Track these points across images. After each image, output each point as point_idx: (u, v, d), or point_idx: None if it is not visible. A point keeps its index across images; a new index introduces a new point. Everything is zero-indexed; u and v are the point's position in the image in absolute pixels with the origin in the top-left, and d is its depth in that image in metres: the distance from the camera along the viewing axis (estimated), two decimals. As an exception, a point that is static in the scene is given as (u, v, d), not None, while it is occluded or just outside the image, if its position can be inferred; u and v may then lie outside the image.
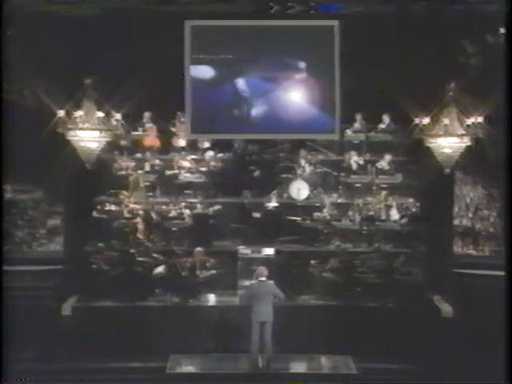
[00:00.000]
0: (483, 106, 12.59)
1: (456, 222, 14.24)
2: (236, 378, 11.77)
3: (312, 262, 13.93)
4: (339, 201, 14.82)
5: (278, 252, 13.87)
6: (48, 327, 12.62)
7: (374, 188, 14.69)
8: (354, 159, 14.94)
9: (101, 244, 13.80)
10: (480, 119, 12.59)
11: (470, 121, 12.69)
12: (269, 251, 13.77)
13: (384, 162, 14.81)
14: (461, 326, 12.62)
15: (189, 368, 12.22)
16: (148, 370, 12.00)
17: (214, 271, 13.69)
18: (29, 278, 13.10)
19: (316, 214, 14.54)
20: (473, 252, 14.12)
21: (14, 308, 11.33)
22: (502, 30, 12.35)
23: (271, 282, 12.13)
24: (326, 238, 14.38)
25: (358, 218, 14.45)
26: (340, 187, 15.00)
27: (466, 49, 13.39)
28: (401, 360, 11.99)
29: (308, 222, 14.50)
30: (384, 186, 14.65)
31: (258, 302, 11.86)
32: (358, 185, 14.84)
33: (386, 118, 14.83)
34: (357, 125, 15.06)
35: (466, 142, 12.72)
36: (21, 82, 13.03)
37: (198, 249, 13.81)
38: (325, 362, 12.39)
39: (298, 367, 12.14)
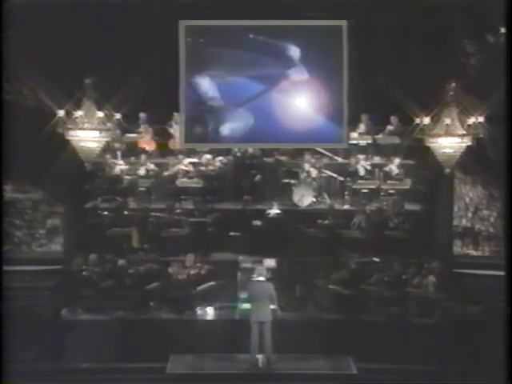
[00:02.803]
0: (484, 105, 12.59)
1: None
2: (236, 378, 11.70)
3: (317, 273, 13.43)
4: (345, 207, 14.55)
5: (280, 262, 13.43)
6: (48, 328, 12.61)
7: (382, 193, 14.46)
8: (361, 163, 14.73)
9: (93, 255, 13.41)
10: (481, 119, 12.56)
11: (470, 121, 12.66)
12: (270, 262, 13.35)
13: (393, 166, 14.60)
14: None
15: (189, 368, 12.17)
16: (148, 370, 11.95)
17: (212, 282, 13.27)
18: (28, 278, 13.10)
19: (320, 222, 14.15)
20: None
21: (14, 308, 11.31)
22: (502, 30, 12.35)
23: (270, 282, 12.08)
24: (332, 248, 13.84)
25: (365, 226, 14.07)
26: (346, 193, 14.71)
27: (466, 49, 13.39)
28: (401, 361, 11.96)
29: (312, 230, 14.08)
30: (392, 191, 14.43)
31: (256, 301, 11.81)
32: (364, 190, 14.58)
33: (394, 119, 14.64)
34: (362, 126, 14.86)
35: (467, 141, 12.69)
36: (20, 82, 13.05)
37: (190, 255, 13.39)
38: (325, 362, 12.31)
39: (298, 367, 12.06)
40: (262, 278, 12.00)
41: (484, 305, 12.41)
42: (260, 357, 11.83)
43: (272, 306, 11.87)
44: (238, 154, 14.90)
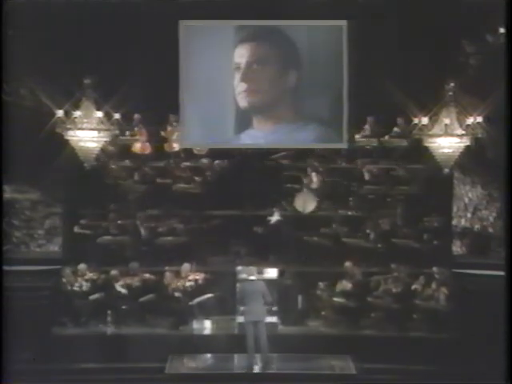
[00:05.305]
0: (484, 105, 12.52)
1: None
2: (235, 378, 11.72)
3: (320, 284, 13.26)
4: (350, 214, 14.18)
5: (281, 273, 13.20)
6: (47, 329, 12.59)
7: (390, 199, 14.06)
8: (366, 167, 14.32)
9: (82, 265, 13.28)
10: (479, 119, 12.49)
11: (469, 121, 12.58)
12: (271, 272, 13.12)
13: (398, 168, 14.24)
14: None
15: (188, 368, 12.15)
16: (147, 370, 11.95)
17: (209, 294, 13.08)
18: (28, 278, 13.09)
19: (324, 230, 13.89)
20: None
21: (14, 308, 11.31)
22: (502, 30, 12.32)
23: (261, 281, 12.01)
24: (336, 257, 13.47)
25: (372, 234, 13.77)
26: (351, 198, 14.30)
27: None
28: (402, 361, 11.92)
29: (315, 238, 13.81)
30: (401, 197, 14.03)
31: (249, 301, 11.80)
32: (371, 196, 14.18)
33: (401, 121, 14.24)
34: (367, 128, 14.52)
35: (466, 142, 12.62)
36: (20, 82, 13.07)
37: (186, 265, 13.19)
38: (324, 362, 12.25)
39: (297, 367, 12.01)
40: (253, 278, 11.96)
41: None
42: (257, 357, 11.81)
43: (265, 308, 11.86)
44: (238, 157, 14.59)
